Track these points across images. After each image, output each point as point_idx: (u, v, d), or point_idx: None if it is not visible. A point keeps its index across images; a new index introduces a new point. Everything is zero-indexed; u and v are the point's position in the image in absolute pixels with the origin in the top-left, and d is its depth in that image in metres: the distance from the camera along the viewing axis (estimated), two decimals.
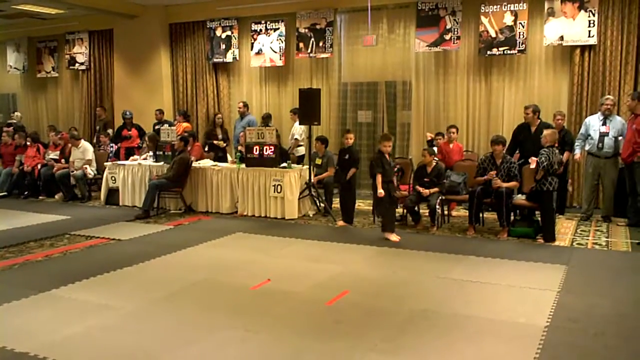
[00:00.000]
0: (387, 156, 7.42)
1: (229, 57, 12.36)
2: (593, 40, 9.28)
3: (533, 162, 7.42)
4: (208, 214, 9.36)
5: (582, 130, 8.64)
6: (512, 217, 7.75)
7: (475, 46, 10.19)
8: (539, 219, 7.63)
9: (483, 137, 10.26)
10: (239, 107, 11.57)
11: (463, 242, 7.35)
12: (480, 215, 8.08)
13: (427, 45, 10.38)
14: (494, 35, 9.89)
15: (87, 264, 6.25)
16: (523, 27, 9.69)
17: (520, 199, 7.73)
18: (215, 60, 12.52)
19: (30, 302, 4.98)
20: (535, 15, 9.74)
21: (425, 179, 8.07)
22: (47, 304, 4.95)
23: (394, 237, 7.31)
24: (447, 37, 10.21)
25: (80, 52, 14.12)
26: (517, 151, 8.63)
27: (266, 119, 11.17)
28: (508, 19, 9.78)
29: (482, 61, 10.24)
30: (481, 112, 10.37)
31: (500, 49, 9.87)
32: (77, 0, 11.48)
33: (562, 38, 9.45)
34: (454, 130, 9.40)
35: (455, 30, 10.15)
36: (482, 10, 9.95)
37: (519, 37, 9.71)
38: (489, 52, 9.99)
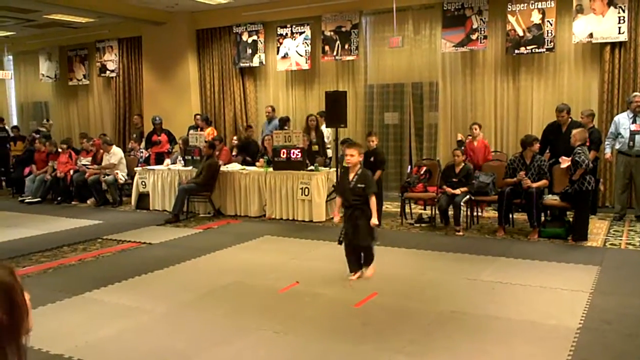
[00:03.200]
0: (350, 169, 5.71)
1: (255, 62, 12.45)
2: (623, 37, 9.11)
3: (564, 161, 7.31)
4: (236, 218, 9.43)
5: (612, 129, 8.49)
6: (542, 218, 7.65)
7: (503, 45, 10.09)
8: (570, 219, 7.52)
9: (512, 137, 10.15)
10: (267, 111, 11.64)
11: (493, 243, 7.28)
12: (510, 216, 8.00)
13: (453, 46, 10.32)
14: (521, 33, 9.78)
15: (119, 268, 6.36)
16: (551, 25, 9.57)
17: (551, 199, 7.62)
18: (241, 64, 12.62)
19: (65, 305, 5.08)
20: (563, 12, 9.61)
21: (454, 179, 8.02)
22: (81, 307, 5.06)
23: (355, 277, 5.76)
24: (474, 36, 10.13)
25: (110, 60, 14.37)
26: (548, 151, 8.52)
27: (284, 122, 11.17)
28: (535, 17, 9.66)
29: (510, 60, 10.14)
30: (509, 111, 10.26)
31: (528, 47, 9.76)
32: (107, 8, 11.69)
33: (591, 35, 9.31)
34: (476, 127, 9.32)
35: (482, 29, 10.07)
36: (509, 9, 9.85)
37: (547, 35, 9.59)
38: (516, 51, 9.89)
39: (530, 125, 9.94)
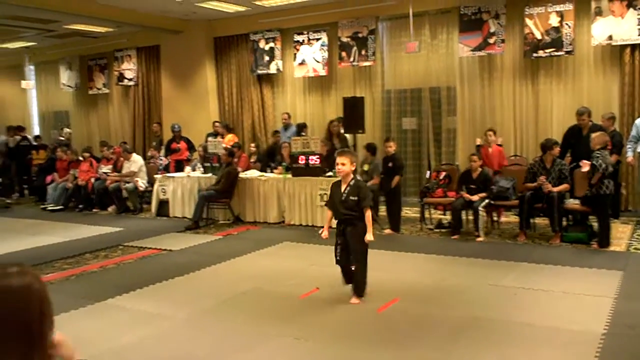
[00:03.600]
0: (342, 179, 5.25)
1: (272, 69, 12.50)
2: None
3: (585, 165, 7.23)
4: (256, 224, 9.45)
5: (633, 132, 8.39)
6: (564, 222, 7.57)
7: (521, 49, 10.02)
8: (593, 223, 7.43)
9: (531, 141, 10.06)
10: (284, 118, 11.68)
11: (514, 248, 7.22)
12: (531, 220, 7.92)
13: (470, 50, 10.27)
14: (539, 37, 9.72)
15: (140, 274, 6.41)
16: (570, 27, 9.49)
17: (573, 203, 7.54)
18: (259, 72, 12.68)
19: (87, 312, 5.13)
20: (582, 15, 9.53)
21: (472, 185, 7.97)
22: (103, 313, 5.10)
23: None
24: (491, 40, 10.08)
25: (129, 69, 14.52)
26: (569, 154, 8.43)
27: (301, 128, 11.20)
28: (554, 20, 9.59)
29: (528, 64, 10.07)
30: (529, 115, 10.18)
31: (547, 50, 9.69)
32: (125, 18, 11.83)
33: (610, 37, 9.21)
34: (491, 133, 9.26)
35: (500, 33, 10.01)
36: (526, 12, 9.79)
37: (566, 38, 9.51)
38: (535, 55, 9.82)
39: (550, 129, 9.85)
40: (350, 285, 5.24)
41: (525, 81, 10.16)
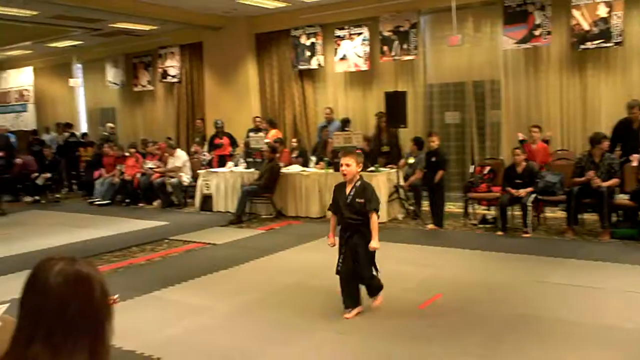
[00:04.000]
0: (347, 181, 4.83)
1: (313, 64, 12.51)
2: None
3: (635, 159, 7.03)
4: (298, 219, 9.49)
5: None
6: (614, 218, 7.36)
7: (568, 41, 9.77)
8: None
9: (579, 136, 9.80)
10: (326, 113, 11.68)
11: (561, 244, 7.06)
12: (579, 216, 7.73)
13: (515, 42, 10.07)
14: (587, 28, 9.45)
15: (185, 267, 6.51)
16: (619, 18, 9.20)
17: (622, 198, 7.33)
18: (300, 67, 12.71)
19: (135, 303, 5.24)
20: (631, 5, 9.22)
21: (517, 180, 7.82)
22: (150, 305, 5.21)
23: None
24: (537, 32, 9.85)
25: (172, 66, 14.74)
26: (619, 149, 8.18)
27: (345, 124, 11.18)
28: (602, 11, 9.31)
29: (576, 56, 9.81)
30: (576, 109, 9.92)
31: (595, 42, 9.42)
32: (168, 16, 12.02)
33: None
34: (535, 129, 9.06)
35: (545, 25, 9.78)
36: (573, 3, 9.53)
37: (615, 29, 9.22)
38: (582, 46, 9.56)
39: (599, 123, 9.57)
40: (347, 310, 4.74)
41: (572, 73, 9.90)
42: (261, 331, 4.50)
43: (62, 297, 1.28)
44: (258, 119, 12.27)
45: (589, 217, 8.04)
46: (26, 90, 17.57)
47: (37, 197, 12.60)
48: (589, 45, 9.49)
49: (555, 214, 8.76)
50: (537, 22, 9.84)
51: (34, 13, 11.51)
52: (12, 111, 18.01)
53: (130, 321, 4.74)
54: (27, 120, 17.42)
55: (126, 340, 4.21)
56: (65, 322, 1.27)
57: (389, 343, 4.17)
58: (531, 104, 10.27)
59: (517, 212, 8.01)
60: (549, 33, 9.78)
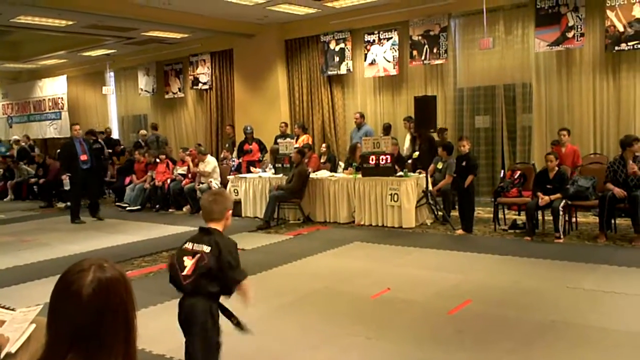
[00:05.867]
0: None
1: (342, 69, 12.52)
2: None
3: None
4: (326, 224, 9.49)
5: None
6: None
7: (601, 42, 9.59)
8: None
9: (612, 139, 9.60)
10: (356, 118, 11.66)
11: (593, 250, 6.92)
12: (612, 221, 7.57)
13: (547, 45, 9.92)
14: (621, 29, 9.26)
15: None
16: None
17: None
18: (329, 72, 12.73)
19: (165, 308, 5.28)
20: None
21: (548, 185, 7.67)
22: None
23: None
24: (570, 34, 9.70)
25: (203, 73, 14.92)
26: None
27: (387, 130, 11.19)
28: (638, 12, 9.12)
29: (610, 58, 9.62)
30: (610, 112, 9.72)
31: (630, 43, 9.22)
32: (200, 24, 12.18)
33: None
34: (564, 132, 8.93)
35: (579, 27, 9.62)
36: (607, 4, 9.35)
37: None
38: (616, 48, 9.37)
39: (634, 126, 9.37)
40: None
41: (605, 76, 9.72)
42: (290, 335, 4.50)
43: (97, 308, 1.29)
44: (283, 125, 12.33)
45: (622, 222, 7.86)
46: (60, 98, 17.96)
47: (68, 203, 12.82)
48: (623, 47, 9.30)
49: (587, 218, 8.60)
50: (570, 23, 9.68)
51: (69, 23, 11.79)
52: (47, 119, 18.42)
53: (160, 325, 4.79)
54: (61, 128, 17.79)
55: (156, 345, 4.26)
56: (101, 332, 1.29)
57: (418, 349, 4.13)
58: (563, 107, 10.10)
59: (549, 217, 7.87)
60: (582, 35, 9.62)
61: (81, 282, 1.31)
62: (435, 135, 10.09)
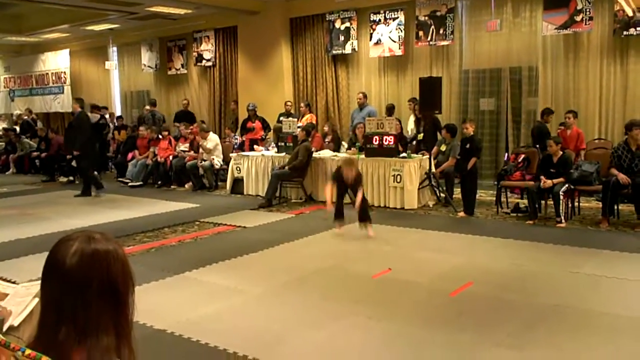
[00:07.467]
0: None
1: (347, 49, 12.41)
2: None
3: None
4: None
5: None
6: None
7: (610, 27, 9.49)
8: None
9: (618, 124, 9.55)
10: (359, 98, 11.59)
11: (596, 235, 6.91)
12: (615, 207, 7.55)
13: (555, 28, 9.82)
14: (631, 14, 9.16)
15: (215, 249, 6.57)
16: None
17: None
18: (334, 52, 12.63)
19: (166, 283, 5.31)
20: None
21: (552, 170, 7.65)
22: (181, 286, 5.26)
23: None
24: (578, 18, 9.59)
25: (207, 49, 14.81)
26: None
27: (390, 110, 11.13)
28: None
29: (618, 43, 9.53)
30: (616, 97, 9.66)
31: (639, 29, 9.13)
32: (206, 0, 12.05)
33: None
34: (570, 115, 8.90)
35: (588, 10, 9.51)
36: None
37: None
38: (625, 33, 9.28)
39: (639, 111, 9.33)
40: None
41: (613, 61, 9.64)
42: (291, 314, 4.51)
43: (81, 278, 1.26)
44: (289, 103, 12.27)
45: (625, 207, 7.85)
46: (63, 72, 17.87)
47: (71, 178, 12.84)
48: (632, 32, 9.22)
49: (590, 203, 8.58)
50: (579, 7, 9.57)
51: None
52: (50, 93, 18.37)
53: (162, 301, 4.81)
54: (64, 102, 17.73)
55: (157, 320, 4.27)
56: (86, 303, 1.26)
57: (419, 330, 4.14)
58: (569, 91, 10.03)
59: (552, 202, 7.86)
60: (590, 19, 9.51)
61: (65, 252, 1.28)
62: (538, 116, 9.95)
